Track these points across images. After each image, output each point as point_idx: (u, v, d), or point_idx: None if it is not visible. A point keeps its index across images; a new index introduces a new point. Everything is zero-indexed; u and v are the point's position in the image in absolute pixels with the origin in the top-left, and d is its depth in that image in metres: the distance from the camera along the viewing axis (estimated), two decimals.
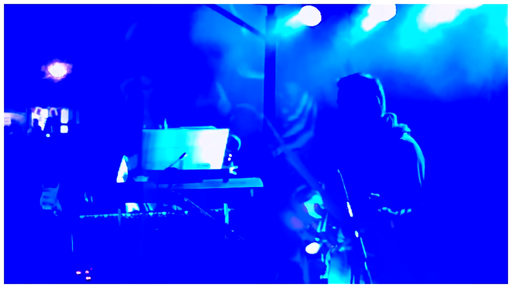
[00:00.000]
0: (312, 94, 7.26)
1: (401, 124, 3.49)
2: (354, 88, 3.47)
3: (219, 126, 4.96)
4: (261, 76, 6.68)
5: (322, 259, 3.46)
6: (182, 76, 7.32)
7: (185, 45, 7.10)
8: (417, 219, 3.33)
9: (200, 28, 6.93)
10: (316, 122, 7.25)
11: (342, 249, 3.44)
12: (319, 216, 3.53)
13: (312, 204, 3.59)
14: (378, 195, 3.05)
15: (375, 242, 3.24)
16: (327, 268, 3.49)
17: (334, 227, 3.45)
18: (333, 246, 3.45)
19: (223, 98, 7.22)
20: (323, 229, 3.49)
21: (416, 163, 3.34)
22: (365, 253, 2.94)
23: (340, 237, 3.44)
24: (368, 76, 3.52)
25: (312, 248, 3.52)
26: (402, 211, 2.96)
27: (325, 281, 3.56)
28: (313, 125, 7.22)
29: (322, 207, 3.53)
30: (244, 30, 6.68)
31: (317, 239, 3.50)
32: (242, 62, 7.00)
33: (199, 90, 7.23)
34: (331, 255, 3.47)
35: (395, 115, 3.51)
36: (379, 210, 3.02)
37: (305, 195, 5.76)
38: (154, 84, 7.11)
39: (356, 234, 2.94)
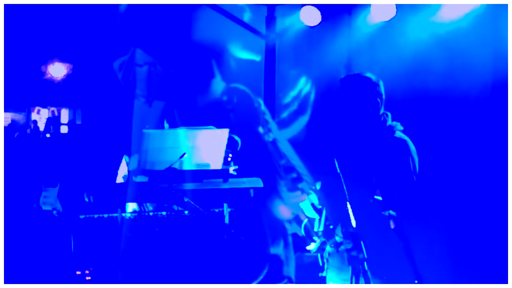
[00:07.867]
0: (311, 78, 7.17)
1: (394, 123, 3.52)
2: (357, 87, 3.48)
3: (220, 123, 4.95)
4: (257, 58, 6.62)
5: (319, 258, 3.48)
6: (182, 75, 7.32)
7: (186, 44, 7.10)
8: (415, 217, 3.34)
9: (201, 27, 6.93)
10: (312, 108, 7.14)
11: (341, 248, 3.45)
12: (316, 216, 3.55)
13: (308, 204, 3.60)
14: (380, 198, 3.05)
15: (375, 242, 3.24)
16: (325, 266, 3.50)
17: (331, 226, 3.46)
18: (331, 245, 3.45)
19: (217, 77, 7.12)
20: (321, 228, 3.50)
21: (409, 159, 3.37)
22: (365, 253, 2.95)
23: (338, 236, 3.45)
24: (372, 76, 3.52)
25: (310, 246, 3.52)
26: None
27: (323, 279, 3.57)
28: (309, 109, 7.11)
29: (318, 206, 3.55)
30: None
31: (315, 237, 3.51)
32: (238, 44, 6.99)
33: (200, 89, 7.22)
34: (329, 254, 3.48)
35: (389, 114, 3.55)
36: (385, 213, 3.03)
37: (295, 184, 5.73)
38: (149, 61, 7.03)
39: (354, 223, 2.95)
